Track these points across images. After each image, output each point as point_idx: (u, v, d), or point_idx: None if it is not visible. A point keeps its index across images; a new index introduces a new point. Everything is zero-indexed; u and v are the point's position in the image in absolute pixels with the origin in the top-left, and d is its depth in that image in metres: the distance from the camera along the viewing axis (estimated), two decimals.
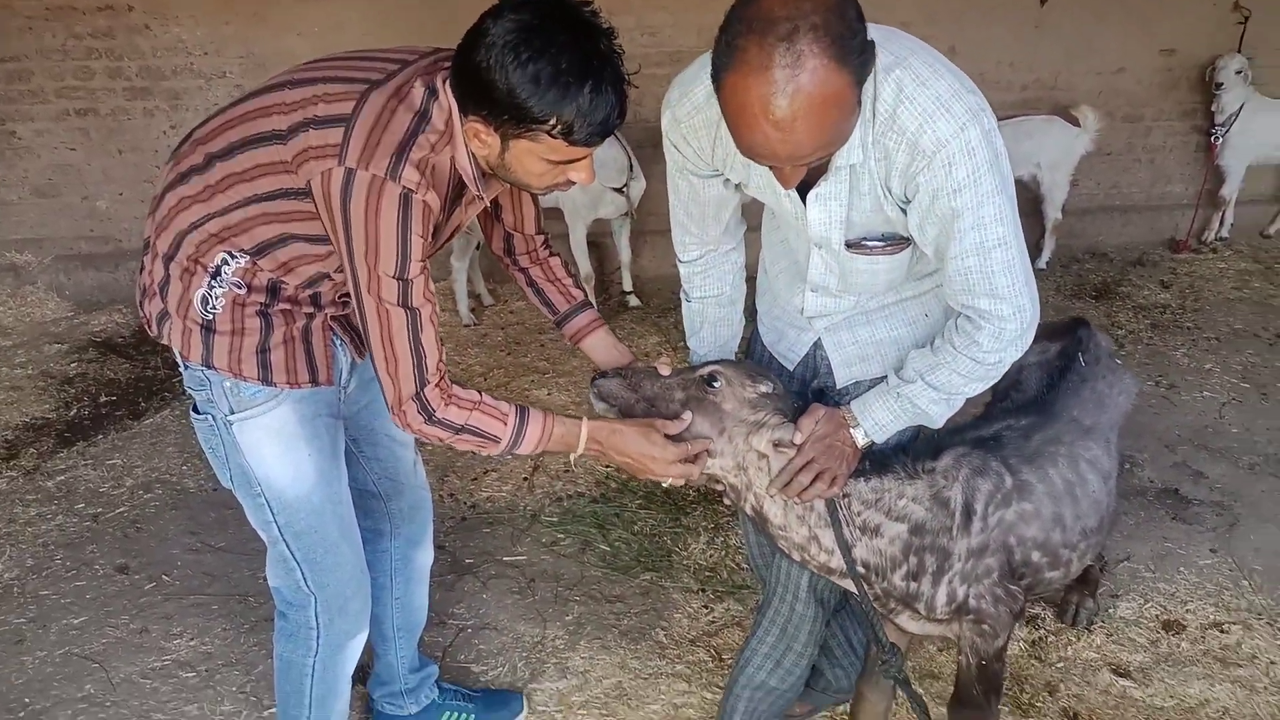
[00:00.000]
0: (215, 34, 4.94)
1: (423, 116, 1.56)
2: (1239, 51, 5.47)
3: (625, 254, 5.16)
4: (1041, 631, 2.77)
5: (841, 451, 1.77)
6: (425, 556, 2.33)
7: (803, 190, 1.64)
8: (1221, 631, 2.76)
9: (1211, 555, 3.09)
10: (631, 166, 4.77)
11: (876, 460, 1.86)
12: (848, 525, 1.81)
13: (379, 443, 2.12)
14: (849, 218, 1.65)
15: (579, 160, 1.60)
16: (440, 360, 1.67)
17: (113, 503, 3.44)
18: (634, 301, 5.18)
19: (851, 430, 1.79)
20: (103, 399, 4.18)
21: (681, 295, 2.05)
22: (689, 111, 1.65)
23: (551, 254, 2.10)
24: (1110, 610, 2.84)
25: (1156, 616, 2.82)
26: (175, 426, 3.94)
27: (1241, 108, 5.45)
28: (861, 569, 1.84)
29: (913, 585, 1.84)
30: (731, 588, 2.98)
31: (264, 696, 2.59)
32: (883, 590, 1.87)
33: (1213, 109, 5.57)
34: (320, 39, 4.90)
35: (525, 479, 3.57)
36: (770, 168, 1.49)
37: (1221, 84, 5.40)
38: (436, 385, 1.67)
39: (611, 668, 2.68)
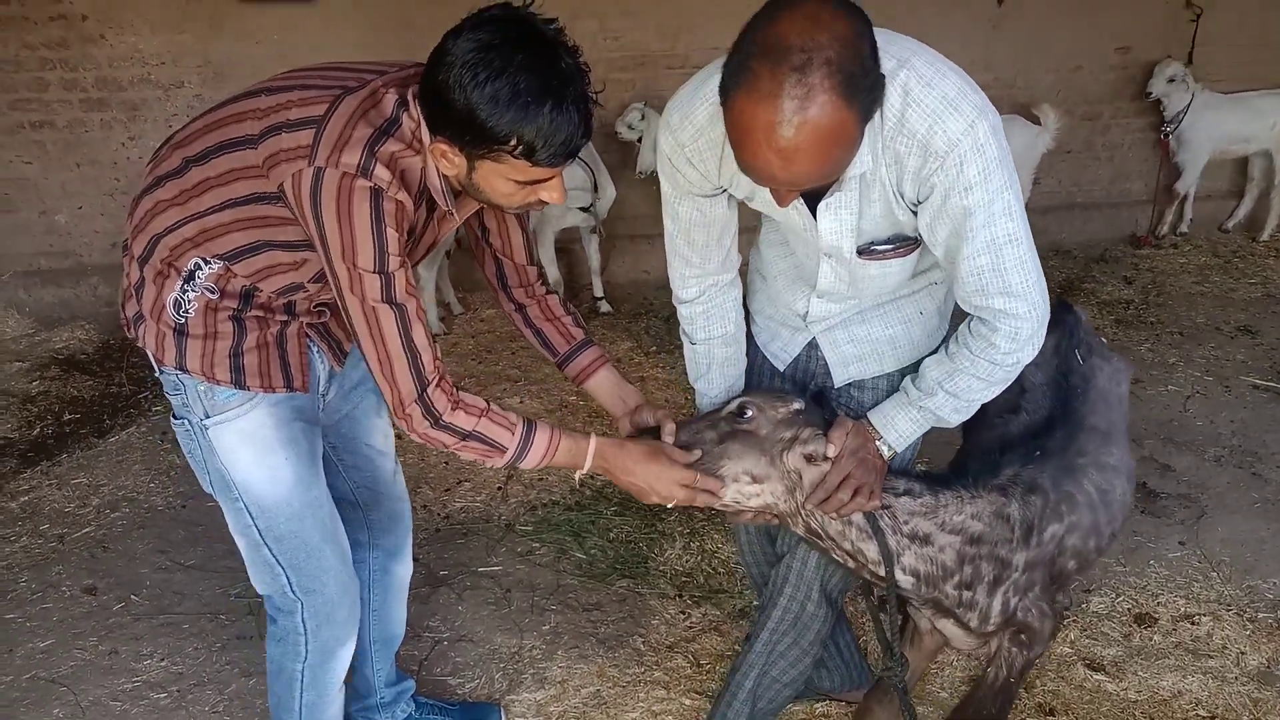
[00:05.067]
0: (172, 43, 4.87)
1: (393, 121, 1.55)
2: (1191, 48, 5.57)
3: (595, 260, 5.15)
4: None
5: (873, 464, 1.77)
6: (404, 568, 2.31)
7: (810, 200, 1.63)
8: (1192, 623, 2.80)
9: (1180, 547, 3.14)
10: (596, 185, 4.77)
11: (930, 479, 1.86)
12: (895, 534, 1.79)
13: (358, 451, 2.11)
14: (859, 225, 1.65)
15: (547, 180, 1.58)
16: (436, 358, 1.66)
17: (79, 523, 3.37)
18: (605, 308, 5.17)
19: (877, 442, 1.79)
20: (66, 417, 4.09)
21: (683, 338, 2.01)
22: (693, 135, 1.63)
23: (549, 291, 2.06)
24: (1083, 605, 2.88)
25: (1128, 610, 2.86)
26: (141, 444, 3.87)
27: (1189, 105, 5.55)
28: (911, 579, 1.82)
29: (966, 594, 1.83)
30: (708, 592, 2.98)
31: (237, 715, 2.55)
32: (934, 600, 1.86)
33: (1160, 107, 5.68)
34: (278, 46, 4.85)
35: (499, 488, 3.55)
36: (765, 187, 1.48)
37: (1150, 93, 5.52)
38: (438, 386, 1.65)
39: (589, 676, 2.67)
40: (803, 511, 1.80)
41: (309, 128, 1.52)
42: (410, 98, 1.55)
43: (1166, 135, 5.69)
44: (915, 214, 1.60)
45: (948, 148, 1.46)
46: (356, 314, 1.60)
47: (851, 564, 1.85)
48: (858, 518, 1.78)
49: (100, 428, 4.00)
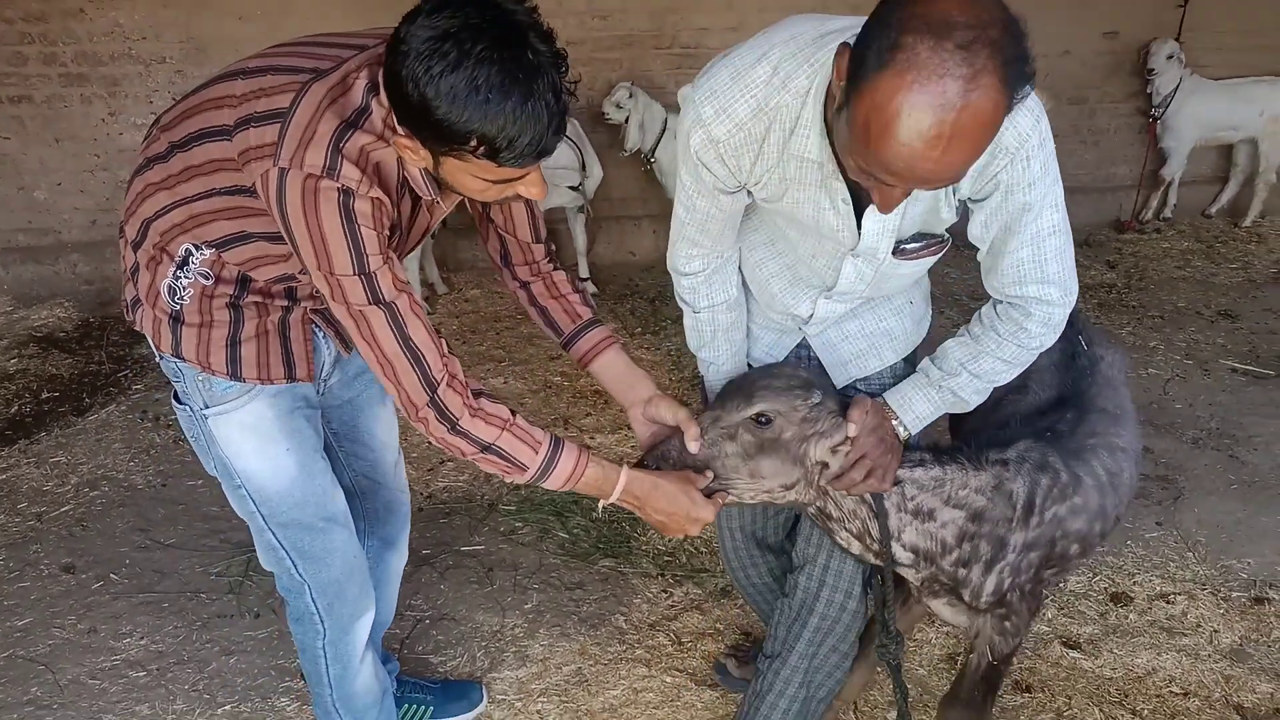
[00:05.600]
0: (154, 18, 4.81)
1: (362, 111, 1.42)
2: (1179, 34, 5.59)
3: (580, 241, 5.14)
4: None
5: (891, 445, 1.73)
6: (399, 559, 2.30)
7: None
8: (1167, 602, 2.83)
9: (1157, 528, 3.17)
10: (584, 164, 4.74)
11: (938, 450, 1.84)
12: (899, 510, 1.77)
13: (359, 440, 2.06)
14: (899, 225, 1.60)
15: (521, 178, 1.45)
16: (443, 355, 1.56)
17: (57, 501, 3.35)
18: (591, 289, 5.16)
19: (893, 422, 1.77)
20: (45, 395, 4.07)
21: (682, 307, 1.89)
22: (730, 130, 1.49)
23: (556, 268, 1.94)
24: (1061, 584, 2.90)
25: (1105, 589, 2.89)
26: (121, 422, 3.85)
27: (1177, 89, 5.57)
28: (910, 554, 1.81)
29: (961, 571, 1.82)
30: (690, 571, 2.99)
31: (218, 694, 2.55)
32: (929, 575, 1.85)
33: (1149, 91, 5.70)
34: (265, 22, 4.80)
35: None
36: (874, 188, 1.34)
37: (1153, 69, 5.53)
38: (449, 386, 1.55)
39: (571, 654, 2.68)
40: (822, 498, 1.79)
41: (275, 121, 1.41)
42: (381, 81, 1.41)
43: (1154, 119, 5.71)
44: (959, 211, 1.57)
45: (1018, 143, 1.42)
46: (345, 320, 1.50)
47: (856, 546, 1.83)
48: (867, 495, 1.76)
49: (79, 406, 3.98)
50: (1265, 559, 3.00)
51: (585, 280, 5.18)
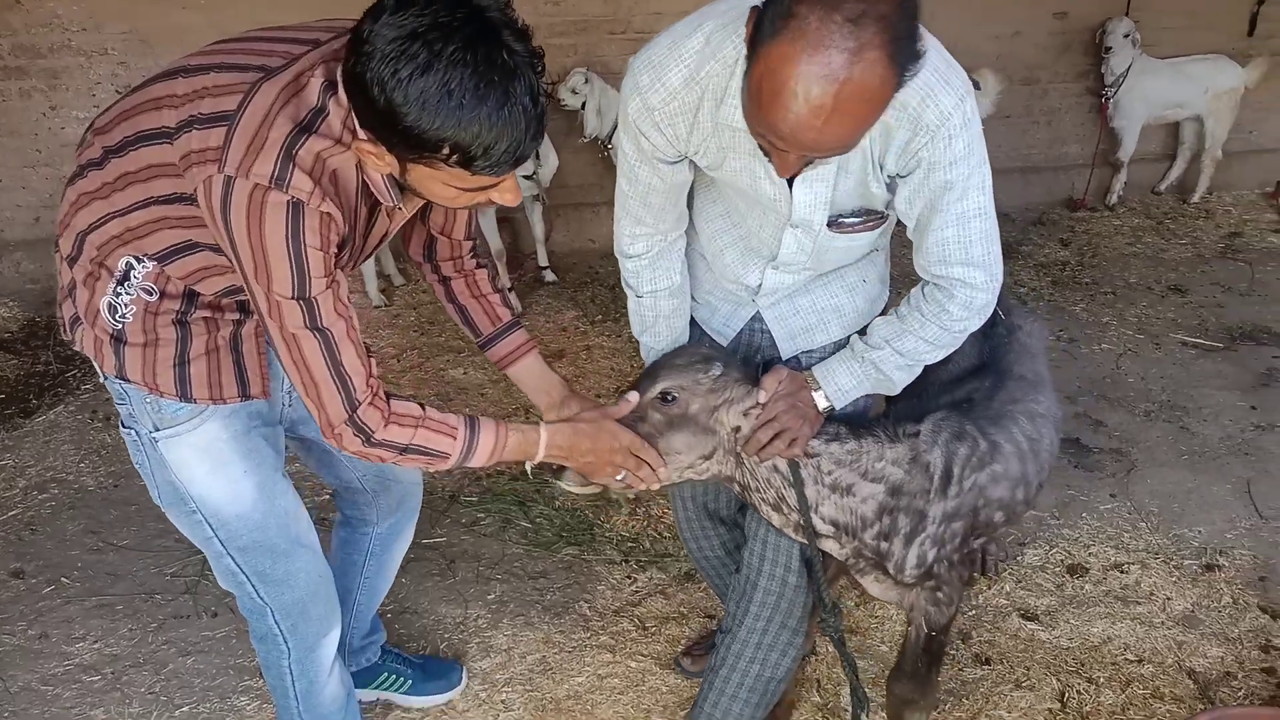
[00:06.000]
0: (94, 8, 4.67)
1: (318, 112, 1.34)
2: (1127, 14, 5.65)
3: (539, 229, 5.10)
4: None
5: (804, 412, 1.76)
6: (403, 544, 2.27)
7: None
8: (1121, 572, 2.88)
9: (1111, 500, 3.22)
10: (538, 152, 4.70)
11: (854, 424, 1.85)
12: (816, 484, 1.79)
13: None
14: (832, 198, 1.61)
15: (495, 185, 1.39)
16: (369, 377, 1.51)
17: (4, 505, 3.27)
18: (550, 277, 5.13)
19: (813, 393, 1.79)
20: None
21: (626, 290, 1.91)
22: (664, 98, 1.52)
23: (479, 265, 1.91)
24: (1018, 558, 2.94)
25: (1061, 561, 2.93)
26: (70, 423, 3.76)
27: (1129, 69, 5.64)
28: (831, 528, 1.83)
29: (884, 545, 1.84)
30: (654, 557, 2.99)
31: (175, 695, 2.50)
32: (853, 550, 1.87)
33: (1102, 71, 5.76)
34: (210, 13, 4.68)
35: None
36: (770, 152, 1.38)
37: (1110, 48, 5.59)
38: (370, 404, 1.51)
39: (535, 643, 2.67)
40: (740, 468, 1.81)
41: (220, 124, 1.33)
42: (340, 79, 1.32)
43: (1107, 99, 5.77)
44: (888, 187, 1.58)
45: (939, 121, 1.44)
46: (276, 338, 1.44)
47: (776, 518, 1.86)
48: (781, 465, 1.78)
49: (26, 408, 3.88)
50: (1215, 527, 3.07)
51: (545, 269, 5.14)
